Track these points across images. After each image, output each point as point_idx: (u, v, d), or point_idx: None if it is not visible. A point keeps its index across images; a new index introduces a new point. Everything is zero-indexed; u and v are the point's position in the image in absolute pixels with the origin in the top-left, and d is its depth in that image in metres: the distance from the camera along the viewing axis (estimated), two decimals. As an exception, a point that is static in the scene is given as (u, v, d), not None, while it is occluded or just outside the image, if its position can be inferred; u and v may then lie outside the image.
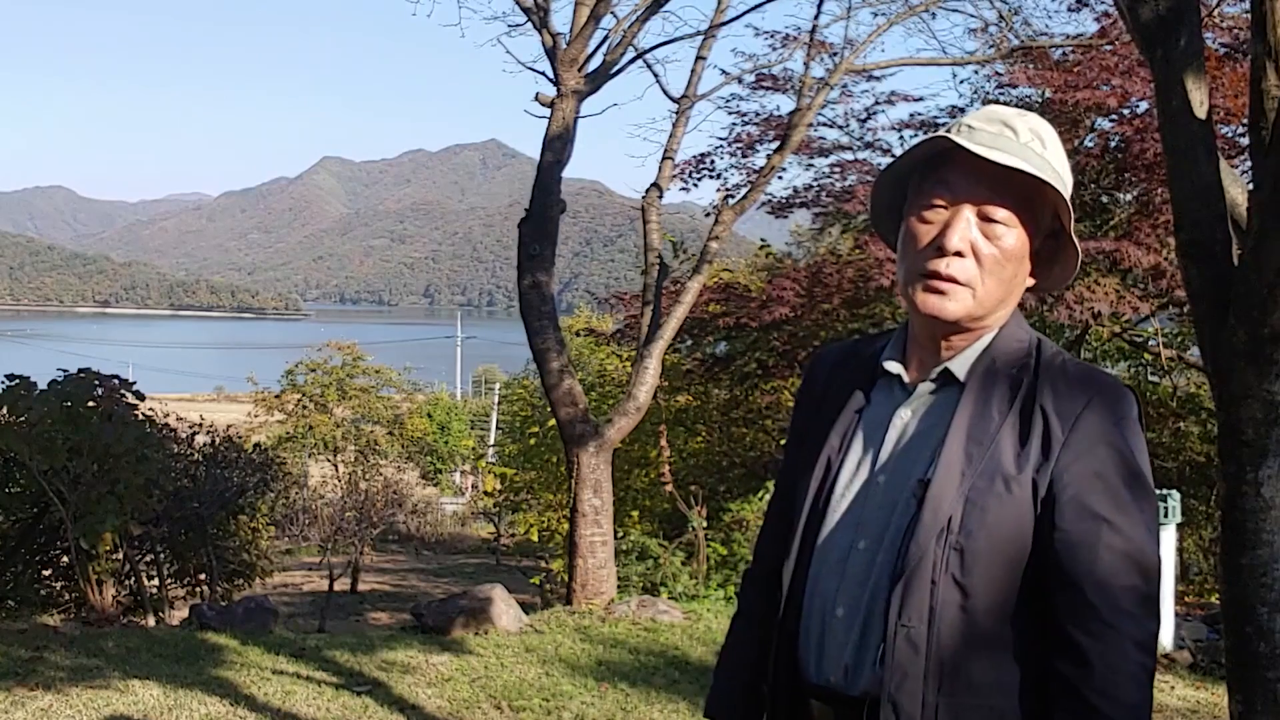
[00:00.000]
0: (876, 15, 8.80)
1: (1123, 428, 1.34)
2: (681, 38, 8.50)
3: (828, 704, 1.41)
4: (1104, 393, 1.35)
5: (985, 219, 1.37)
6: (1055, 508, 1.32)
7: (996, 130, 1.38)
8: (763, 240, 14.99)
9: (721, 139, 11.30)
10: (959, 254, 1.36)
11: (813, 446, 1.50)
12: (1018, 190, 1.37)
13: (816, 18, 8.96)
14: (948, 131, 1.40)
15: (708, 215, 9.64)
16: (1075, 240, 1.41)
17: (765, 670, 1.50)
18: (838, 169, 11.50)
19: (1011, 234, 1.38)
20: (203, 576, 9.04)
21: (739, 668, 1.58)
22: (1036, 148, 1.39)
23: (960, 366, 1.41)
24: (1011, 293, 1.41)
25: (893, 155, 1.54)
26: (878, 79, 10.92)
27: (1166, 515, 6.10)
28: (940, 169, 1.40)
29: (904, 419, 1.43)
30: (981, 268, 1.37)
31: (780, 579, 1.48)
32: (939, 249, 1.37)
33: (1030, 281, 1.44)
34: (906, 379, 1.46)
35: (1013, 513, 1.32)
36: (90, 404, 6.83)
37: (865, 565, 1.39)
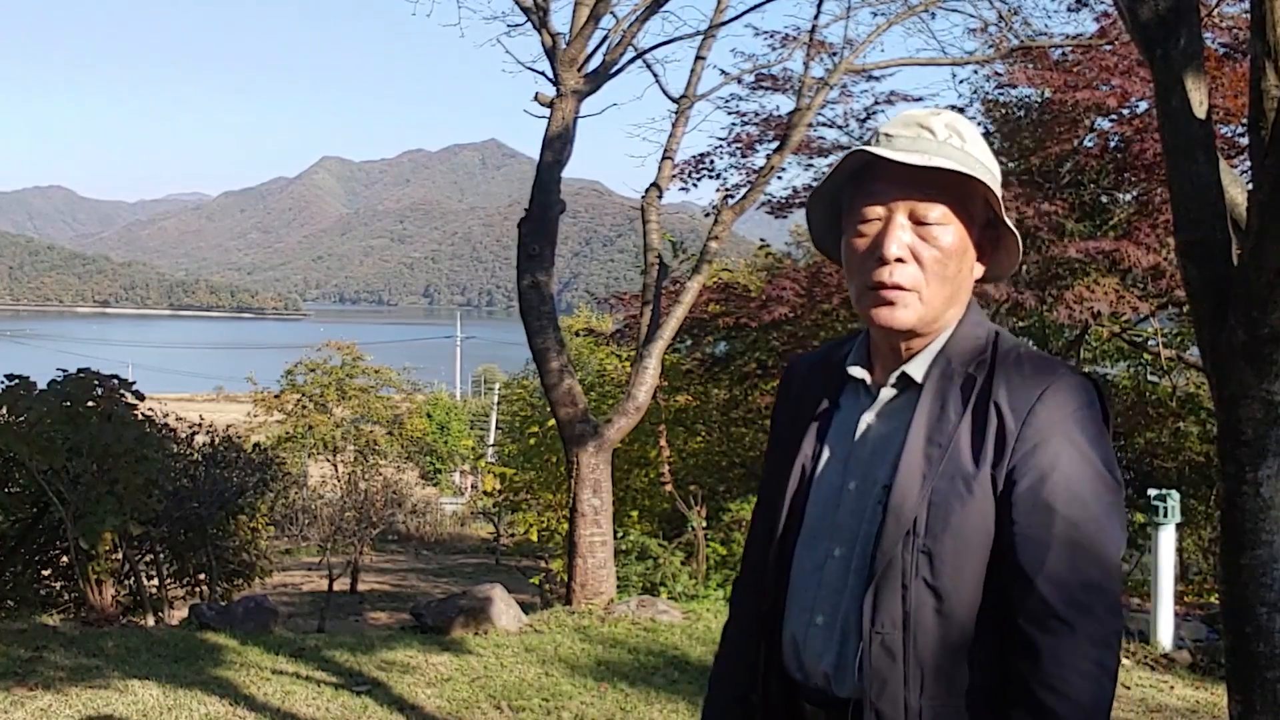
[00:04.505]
0: (876, 15, 8.80)
1: (1078, 418, 1.33)
2: (681, 38, 8.50)
3: (818, 706, 1.42)
4: (1057, 384, 1.34)
5: (919, 222, 1.38)
6: (1010, 503, 1.31)
7: (914, 133, 1.39)
8: (763, 240, 15.00)
9: (721, 139, 11.31)
10: (900, 260, 1.37)
11: (788, 455, 1.51)
12: (945, 188, 1.38)
13: (816, 18, 8.96)
14: (866, 143, 1.41)
15: (707, 215, 9.64)
16: (1012, 226, 1.42)
17: (755, 677, 1.51)
18: (837, 169, 11.49)
19: (948, 231, 1.38)
20: (202, 576, 9.05)
21: (733, 677, 1.58)
22: (956, 143, 1.40)
23: (917, 369, 1.42)
24: (960, 289, 1.42)
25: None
26: (877, 79, 10.95)
27: (1166, 515, 6.10)
28: (867, 181, 1.40)
29: (868, 423, 1.45)
30: (924, 270, 1.38)
31: (764, 588, 1.50)
32: (879, 259, 1.37)
33: (980, 270, 1.46)
34: (870, 384, 1.47)
35: (976, 512, 1.32)
36: (90, 404, 6.83)
37: (841, 573, 1.40)
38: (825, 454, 1.48)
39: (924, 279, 1.38)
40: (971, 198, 1.41)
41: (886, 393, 1.44)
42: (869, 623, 1.34)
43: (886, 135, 1.41)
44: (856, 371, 1.48)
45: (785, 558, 1.48)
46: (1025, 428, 1.32)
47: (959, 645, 1.33)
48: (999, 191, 1.41)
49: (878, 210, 1.39)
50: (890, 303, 1.38)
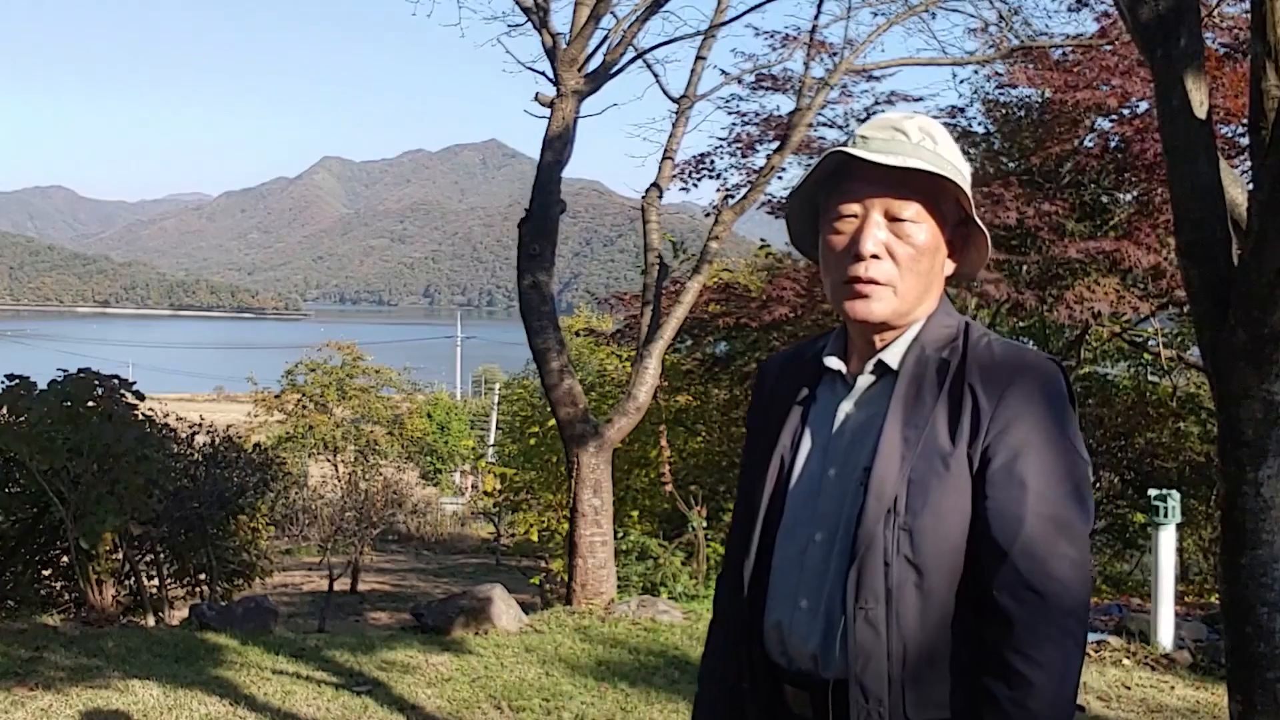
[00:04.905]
0: (876, 15, 8.81)
1: (1047, 399, 1.39)
2: (681, 38, 8.50)
3: (801, 689, 1.46)
4: (1028, 368, 1.41)
5: (894, 219, 1.44)
6: (985, 479, 1.37)
7: (888, 136, 1.46)
8: (763, 240, 14.98)
9: (721, 139, 11.30)
10: (875, 256, 1.43)
11: (766, 448, 1.56)
12: (919, 188, 1.44)
13: (816, 18, 8.97)
14: (844, 145, 1.47)
15: (708, 215, 9.64)
16: (981, 225, 1.48)
17: (742, 668, 1.55)
18: (838, 169, 11.47)
19: (921, 229, 1.44)
20: (203, 576, 9.04)
21: (723, 672, 1.62)
22: (929, 145, 1.46)
23: (893, 356, 1.47)
24: (932, 284, 1.49)
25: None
26: (878, 79, 10.92)
27: (1166, 515, 6.10)
28: (844, 181, 1.47)
29: (846, 411, 1.50)
30: (899, 266, 1.44)
31: (745, 579, 1.54)
32: (856, 255, 1.44)
33: (951, 267, 1.52)
34: (847, 374, 1.53)
35: (953, 489, 1.38)
36: (90, 404, 6.82)
37: (823, 556, 1.45)
38: (804, 445, 1.52)
39: (898, 274, 1.44)
40: (944, 197, 1.47)
41: (864, 380, 1.50)
42: (853, 599, 1.38)
43: (863, 138, 1.47)
44: (833, 363, 1.53)
45: (766, 548, 1.52)
46: (998, 408, 1.38)
47: (940, 619, 1.38)
48: (969, 192, 1.47)
49: (854, 208, 1.45)
50: (865, 296, 1.44)
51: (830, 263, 1.48)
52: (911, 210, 1.44)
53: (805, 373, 1.58)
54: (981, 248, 1.52)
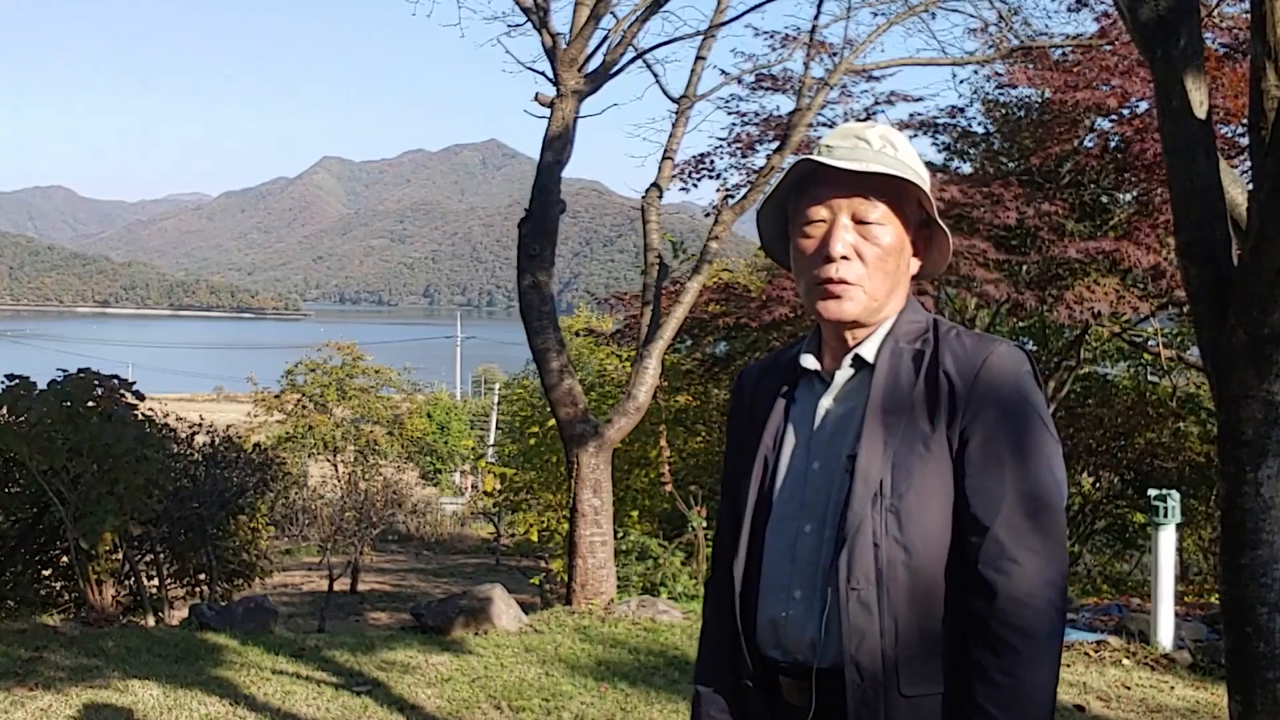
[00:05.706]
0: (876, 15, 8.80)
1: (1018, 380, 1.47)
2: (681, 38, 8.50)
3: (798, 680, 1.49)
4: (996, 352, 1.48)
5: (860, 222, 1.51)
6: (965, 458, 1.44)
7: (851, 144, 1.54)
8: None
9: (721, 139, 11.30)
10: (844, 258, 1.50)
11: (749, 450, 1.61)
12: (882, 191, 1.52)
13: (816, 18, 8.97)
14: (810, 154, 1.56)
15: (708, 215, 9.64)
16: (943, 225, 1.57)
17: (739, 663, 1.57)
18: (837, 169, 11.47)
19: (887, 231, 1.52)
20: (203, 576, 9.04)
21: (716, 676, 1.64)
22: (890, 152, 1.54)
23: (868, 350, 1.54)
24: (899, 283, 1.56)
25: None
26: (877, 79, 10.92)
27: (1166, 515, 6.10)
28: (812, 188, 1.54)
29: (826, 407, 1.56)
30: (867, 266, 1.51)
31: (735, 577, 1.57)
32: (826, 257, 1.51)
33: (916, 265, 1.59)
34: (823, 372, 1.59)
35: (935, 470, 1.44)
36: (90, 404, 6.82)
37: (814, 546, 1.49)
38: (787, 443, 1.58)
39: (867, 274, 1.51)
40: (906, 199, 1.54)
41: (842, 375, 1.56)
42: (844, 580, 1.43)
43: (828, 146, 1.55)
44: (809, 362, 1.59)
45: (756, 547, 1.56)
46: (973, 391, 1.45)
47: (929, 597, 1.43)
48: (930, 194, 1.55)
49: (822, 212, 1.52)
50: (837, 296, 1.51)
51: (802, 265, 1.55)
52: (877, 213, 1.51)
53: (783, 376, 1.63)
54: (944, 247, 1.59)
